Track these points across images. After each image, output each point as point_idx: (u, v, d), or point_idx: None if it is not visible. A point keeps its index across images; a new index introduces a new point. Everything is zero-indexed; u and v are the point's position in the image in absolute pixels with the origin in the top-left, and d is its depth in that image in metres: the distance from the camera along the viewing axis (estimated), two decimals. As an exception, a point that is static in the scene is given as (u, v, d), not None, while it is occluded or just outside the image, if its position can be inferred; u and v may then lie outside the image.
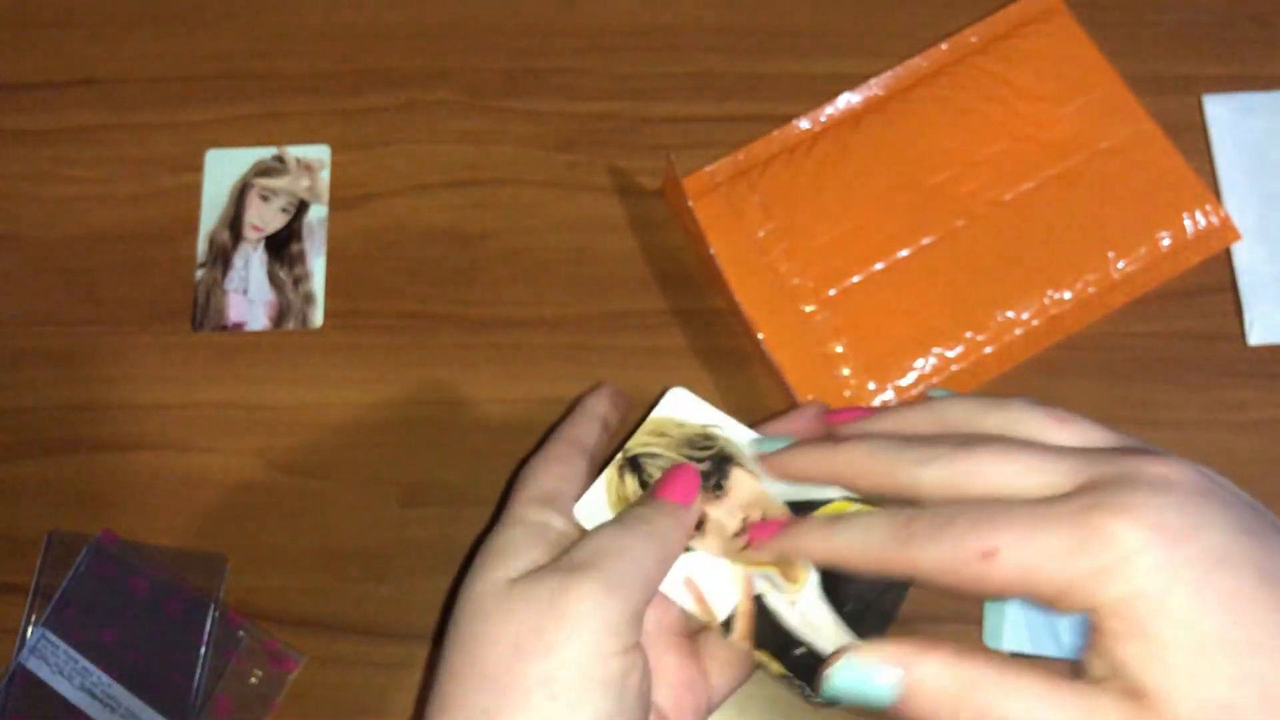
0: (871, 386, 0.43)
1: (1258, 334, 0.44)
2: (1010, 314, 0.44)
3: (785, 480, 0.32)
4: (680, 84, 0.49)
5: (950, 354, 0.44)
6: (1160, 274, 0.45)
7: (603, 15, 0.50)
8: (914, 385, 0.43)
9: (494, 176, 0.48)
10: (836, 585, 0.31)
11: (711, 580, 0.32)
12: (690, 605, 0.31)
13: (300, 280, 0.46)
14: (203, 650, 0.41)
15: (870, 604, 0.31)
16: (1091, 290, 0.44)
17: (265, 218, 0.47)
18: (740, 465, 0.33)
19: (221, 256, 0.47)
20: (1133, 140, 0.46)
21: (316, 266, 0.46)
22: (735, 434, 0.34)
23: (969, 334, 0.44)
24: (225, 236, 0.47)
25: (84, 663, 0.41)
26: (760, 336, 0.42)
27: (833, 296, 0.45)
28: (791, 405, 0.43)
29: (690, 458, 0.34)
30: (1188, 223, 0.45)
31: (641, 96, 0.48)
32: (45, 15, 0.50)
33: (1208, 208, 0.45)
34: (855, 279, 0.45)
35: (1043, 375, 0.44)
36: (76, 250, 0.47)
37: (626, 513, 0.32)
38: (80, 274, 0.47)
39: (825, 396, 0.43)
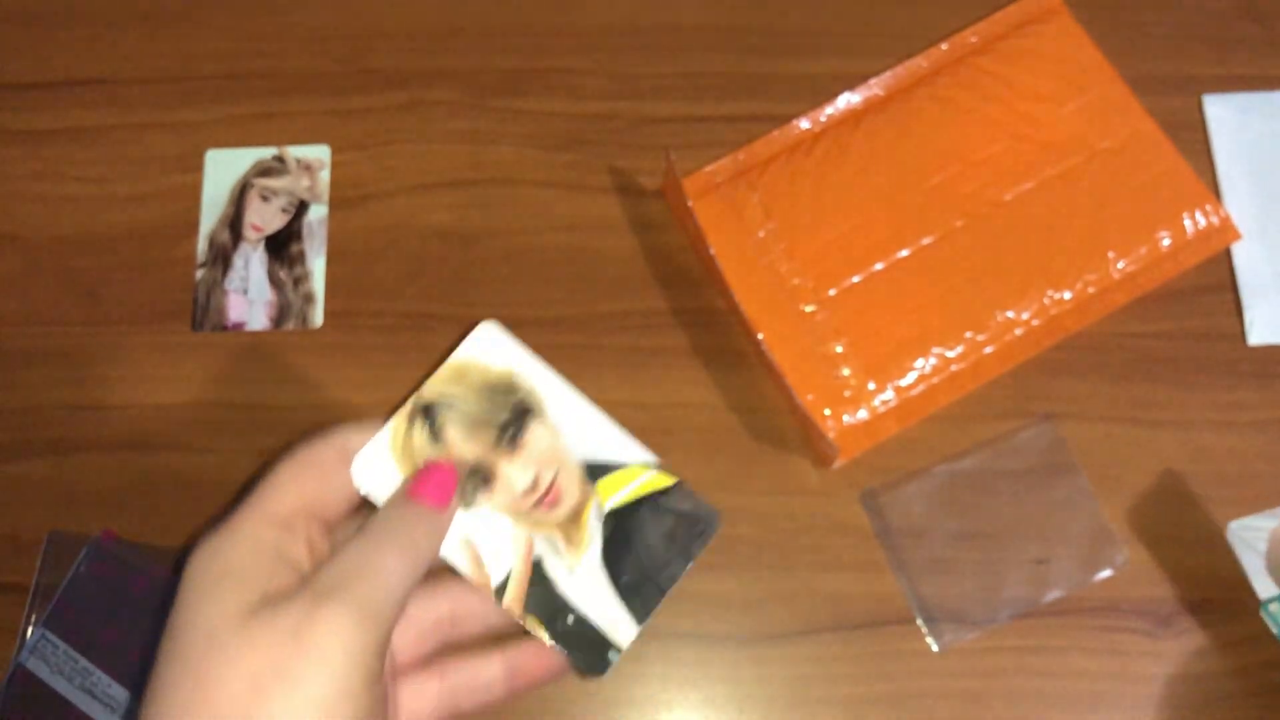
0: (871, 386, 0.43)
1: (1258, 334, 0.44)
2: (1010, 314, 0.44)
3: None
4: (680, 84, 0.49)
5: (950, 354, 0.44)
6: (1160, 274, 0.45)
7: (603, 15, 0.50)
8: (914, 385, 0.43)
9: (494, 176, 0.48)
10: (617, 556, 0.31)
11: (491, 541, 0.31)
12: (465, 567, 0.31)
13: (300, 280, 0.46)
14: (203, 650, 0.41)
15: (647, 577, 0.31)
16: (1091, 290, 0.44)
17: (265, 218, 0.47)
18: (540, 418, 0.32)
19: (221, 256, 0.47)
20: (1133, 140, 0.46)
21: (316, 266, 0.46)
22: (541, 382, 0.32)
23: (969, 334, 0.44)
24: (225, 236, 0.47)
25: (84, 663, 0.41)
26: (760, 336, 0.42)
27: (833, 296, 0.45)
28: (792, 405, 0.43)
29: (487, 409, 0.32)
30: (1188, 223, 0.45)
31: (641, 96, 0.48)
32: (45, 15, 0.50)
33: (1208, 208, 0.45)
34: (855, 279, 0.45)
35: (1043, 375, 0.44)
36: (76, 250, 0.47)
37: (376, 521, 0.29)
38: (80, 274, 0.47)
39: (825, 396, 0.43)
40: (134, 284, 0.47)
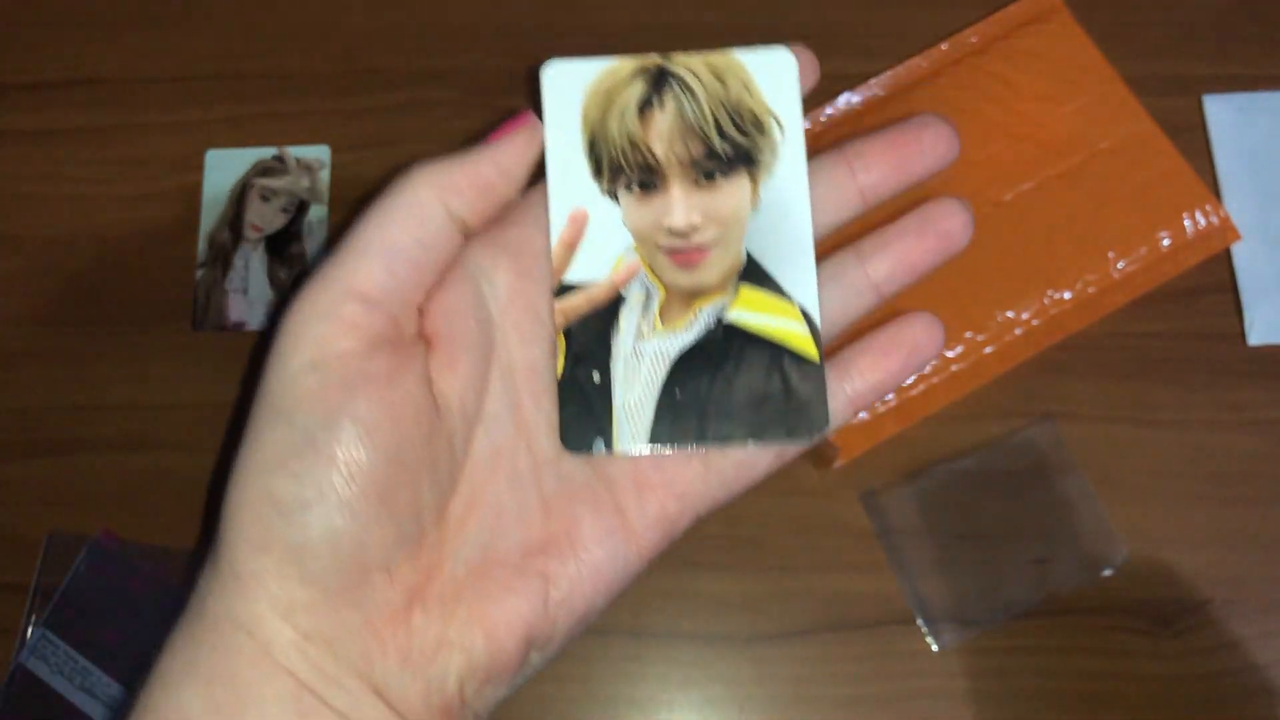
0: (871, 386, 0.43)
1: (1258, 334, 0.44)
2: (1010, 314, 0.44)
3: None
4: (680, 84, 0.49)
5: (950, 354, 0.44)
6: (1160, 274, 0.45)
7: (603, 15, 0.50)
8: (914, 385, 0.44)
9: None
10: (691, 366, 0.26)
11: (601, 239, 0.27)
12: (555, 235, 0.27)
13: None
14: (203, 650, 0.41)
15: (699, 413, 0.26)
16: (1091, 290, 0.44)
17: (265, 218, 0.47)
18: (754, 181, 0.27)
19: (221, 256, 0.47)
20: (1133, 140, 0.46)
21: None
22: (789, 158, 0.27)
23: (969, 334, 0.44)
24: (225, 236, 0.47)
25: (84, 663, 0.41)
26: (760, 336, 0.42)
27: (833, 296, 0.45)
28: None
29: (718, 124, 0.27)
30: (1188, 223, 0.45)
31: (641, 96, 0.48)
32: (45, 15, 0.50)
33: (1208, 208, 0.45)
34: (855, 279, 0.45)
35: (1043, 375, 0.44)
36: (76, 250, 0.47)
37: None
38: (80, 274, 0.47)
39: (825, 396, 0.43)
40: (134, 284, 0.47)
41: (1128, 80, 0.47)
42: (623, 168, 0.27)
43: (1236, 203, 0.46)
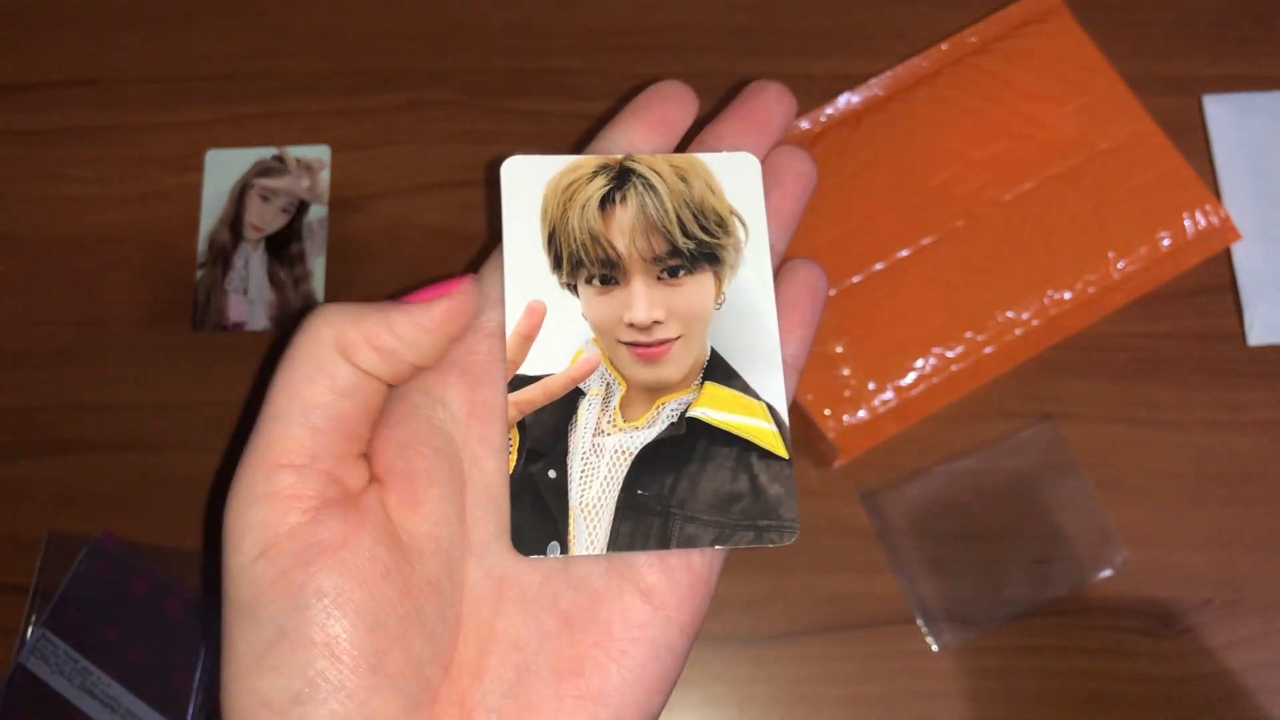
0: (871, 386, 0.43)
1: (1258, 334, 0.44)
2: (1010, 314, 0.44)
3: None
4: (680, 84, 0.49)
5: (950, 354, 0.44)
6: (1160, 274, 0.45)
7: (603, 15, 0.50)
8: (914, 385, 0.44)
9: (494, 177, 0.48)
10: (654, 465, 0.25)
11: (558, 332, 0.26)
12: (511, 326, 0.26)
13: (300, 280, 0.46)
14: (203, 650, 0.41)
15: (663, 513, 0.25)
16: (1091, 290, 0.44)
17: (265, 218, 0.47)
18: (717, 277, 0.27)
19: (221, 256, 0.47)
20: (1133, 140, 0.46)
21: (316, 266, 0.46)
22: (754, 253, 0.27)
23: (969, 334, 0.44)
24: (225, 236, 0.47)
25: (84, 663, 0.41)
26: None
27: (832, 296, 0.45)
28: (792, 406, 0.43)
29: (681, 221, 0.27)
30: (1188, 223, 0.45)
31: (641, 96, 0.48)
32: (45, 15, 0.50)
33: (1208, 208, 0.45)
34: (855, 279, 0.45)
35: (1043, 375, 0.44)
36: (76, 250, 0.47)
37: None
38: (80, 274, 0.47)
39: (825, 396, 0.43)
40: (134, 284, 0.47)
41: (1128, 80, 0.47)
42: (583, 261, 0.27)
43: (1236, 203, 0.46)
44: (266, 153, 0.48)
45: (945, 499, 0.43)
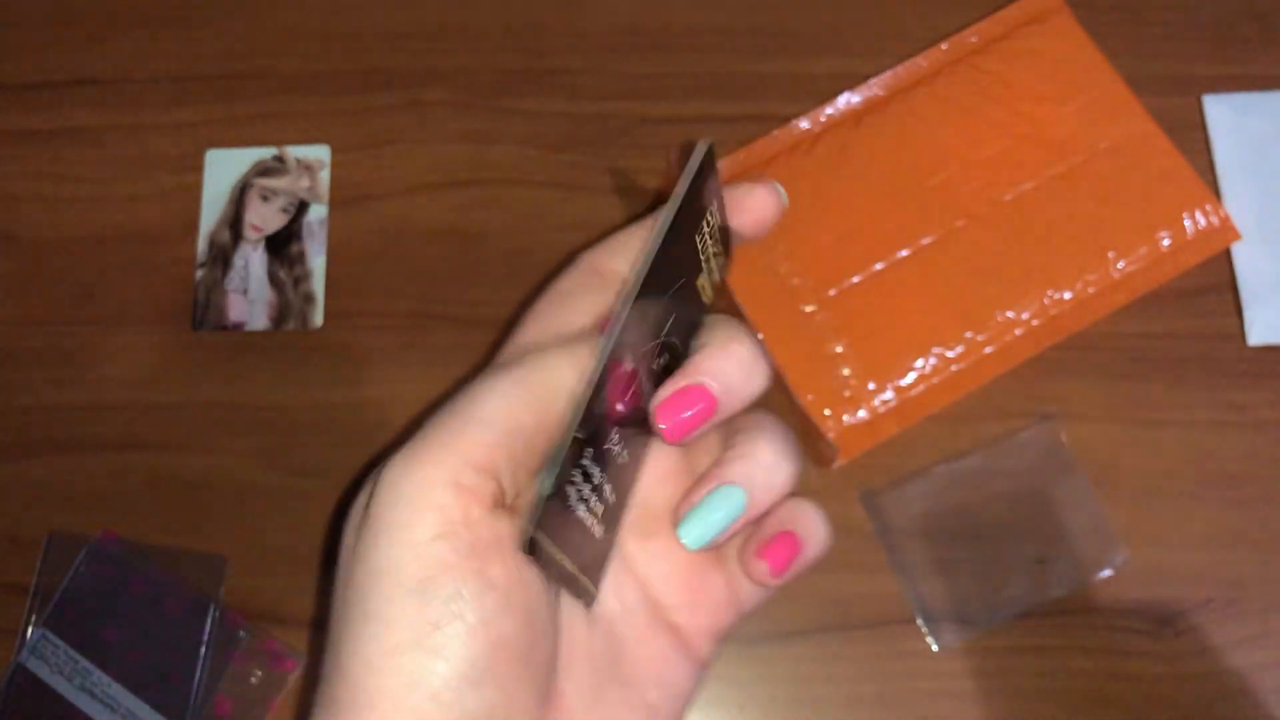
0: (871, 386, 0.43)
1: (1258, 334, 0.44)
2: (1010, 314, 0.44)
3: None
4: (680, 84, 0.49)
5: (950, 354, 0.44)
6: (1160, 274, 0.45)
7: (603, 15, 0.50)
8: (914, 385, 0.43)
9: (494, 176, 0.48)
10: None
11: None
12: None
13: (300, 280, 0.46)
14: (203, 650, 0.41)
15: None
16: (1091, 290, 0.44)
17: (265, 218, 0.47)
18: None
19: (221, 256, 0.47)
20: (1133, 140, 0.46)
21: (316, 266, 0.46)
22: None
23: (969, 334, 0.44)
24: (225, 236, 0.47)
25: (84, 663, 0.41)
26: (760, 336, 0.42)
27: (833, 296, 0.45)
28: (792, 405, 0.43)
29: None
30: (1188, 223, 0.45)
31: (641, 96, 0.48)
32: (45, 15, 0.50)
33: (1208, 208, 0.45)
34: (855, 279, 0.45)
35: (1043, 375, 0.44)
36: (76, 250, 0.47)
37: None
38: (80, 274, 0.47)
39: (825, 396, 0.43)
40: (134, 284, 0.47)
41: (1128, 80, 0.47)
42: None
43: (1236, 203, 0.46)
44: (266, 153, 0.48)
45: (945, 499, 0.43)
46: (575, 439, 0.23)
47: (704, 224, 0.27)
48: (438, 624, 0.22)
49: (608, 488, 0.25)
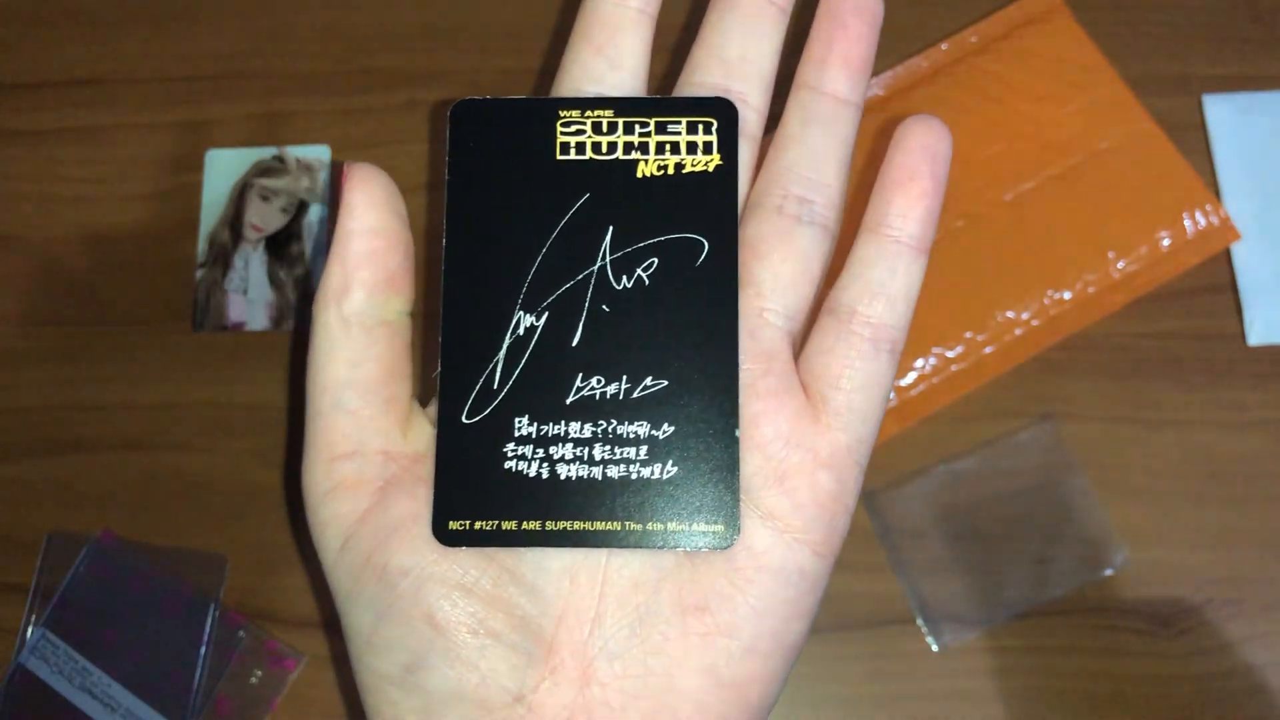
0: (871, 386, 0.43)
1: (1258, 334, 0.44)
2: (1010, 314, 0.44)
3: None
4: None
5: (950, 354, 0.44)
6: (1160, 274, 0.45)
7: (603, 15, 0.50)
8: (914, 385, 0.44)
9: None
10: None
11: None
12: None
13: (300, 280, 0.46)
14: (203, 650, 0.41)
15: None
16: (1091, 290, 0.44)
17: (265, 218, 0.47)
18: None
19: (221, 256, 0.47)
20: (1133, 140, 0.46)
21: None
22: None
23: (969, 334, 0.44)
24: (225, 236, 0.47)
25: (84, 663, 0.41)
26: (760, 336, 0.42)
27: (833, 296, 0.45)
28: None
29: None
30: (1188, 223, 0.45)
31: (641, 96, 0.48)
32: (45, 15, 0.50)
33: (1208, 208, 0.45)
34: (855, 279, 0.45)
35: (1043, 375, 0.44)
36: (76, 250, 0.47)
37: None
38: (80, 274, 0.47)
39: (825, 396, 0.43)
40: (134, 284, 0.47)
41: (1128, 80, 0.47)
42: None
43: (1236, 203, 0.46)
44: (266, 153, 0.48)
45: (945, 499, 0.43)
46: None
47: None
48: (373, 625, 0.24)
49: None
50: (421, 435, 0.26)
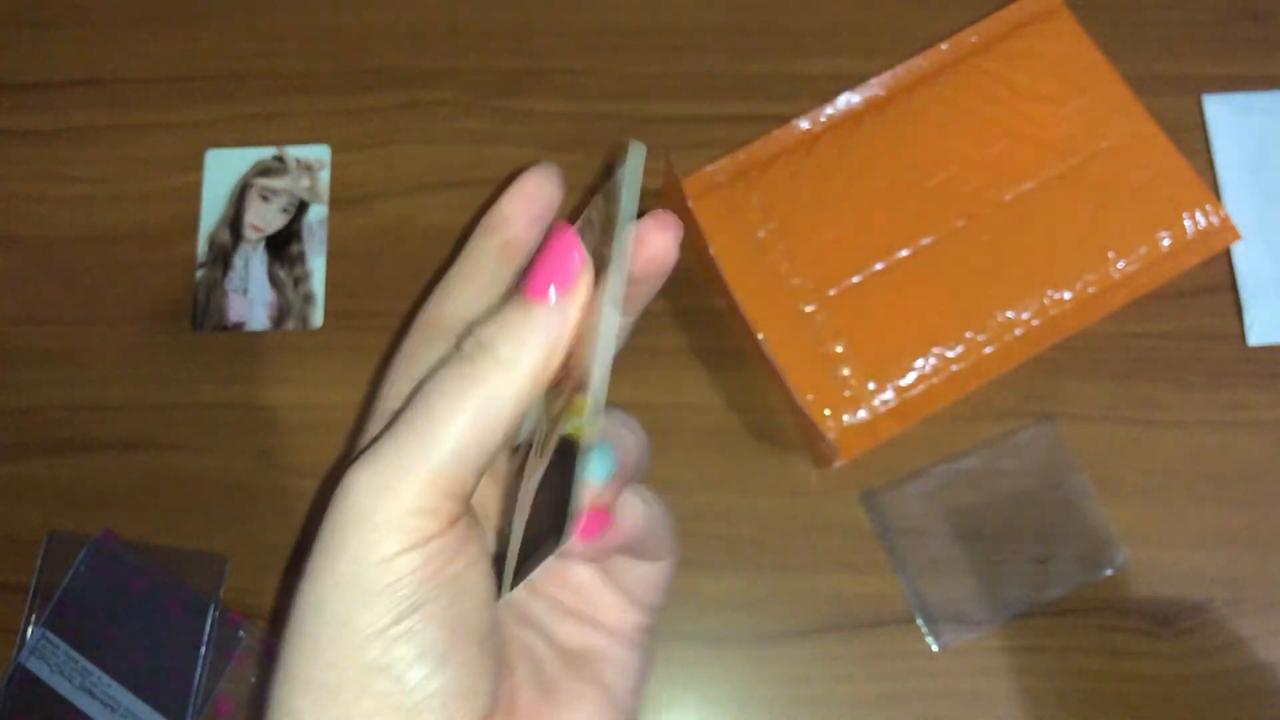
0: (871, 386, 0.43)
1: (1258, 334, 0.44)
2: (1010, 314, 0.44)
3: None
4: (680, 84, 0.49)
5: (950, 354, 0.44)
6: (1160, 274, 0.45)
7: (603, 15, 0.50)
8: (914, 385, 0.44)
9: (494, 176, 0.48)
10: (538, 502, 0.24)
11: None
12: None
13: (300, 280, 0.46)
14: (203, 650, 0.41)
15: (531, 546, 0.24)
16: (1091, 290, 0.44)
17: (265, 218, 0.47)
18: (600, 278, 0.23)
19: (221, 256, 0.47)
20: (1133, 140, 0.46)
21: (316, 266, 0.46)
22: (620, 244, 0.24)
23: (969, 334, 0.44)
24: (225, 236, 0.47)
25: (84, 663, 0.41)
26: (760, 336, 0.42)
27: (833, 296, 0.45)
28: (792, 405, 0.43)
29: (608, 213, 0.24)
30: (1188, 223, 0.45)
31: (641, 96, 0.48)
32: (45, 15, 0.50)
33: (1208, 208, 0.45)
34: (855, 279, 0.45)
35: (1043, 375, 0.44)
36: (76, 250, 0.47)
37: (464, 335, 0.24)
38: (80, 274, 0.47)
39: (825, 396, 0.43)
40: (134, 284, 0.47)
41: (1128, 80, 0.47)
42: None
43: (1236, 203, 0.46)
44: (266, 153, 0.48)
45: (945, 499, 0.43)
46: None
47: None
48: (400, 616, 0.23)
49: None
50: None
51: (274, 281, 0.46)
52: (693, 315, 0.45)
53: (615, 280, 0.23)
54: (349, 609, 0.23)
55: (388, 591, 0.22)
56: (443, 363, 0.24)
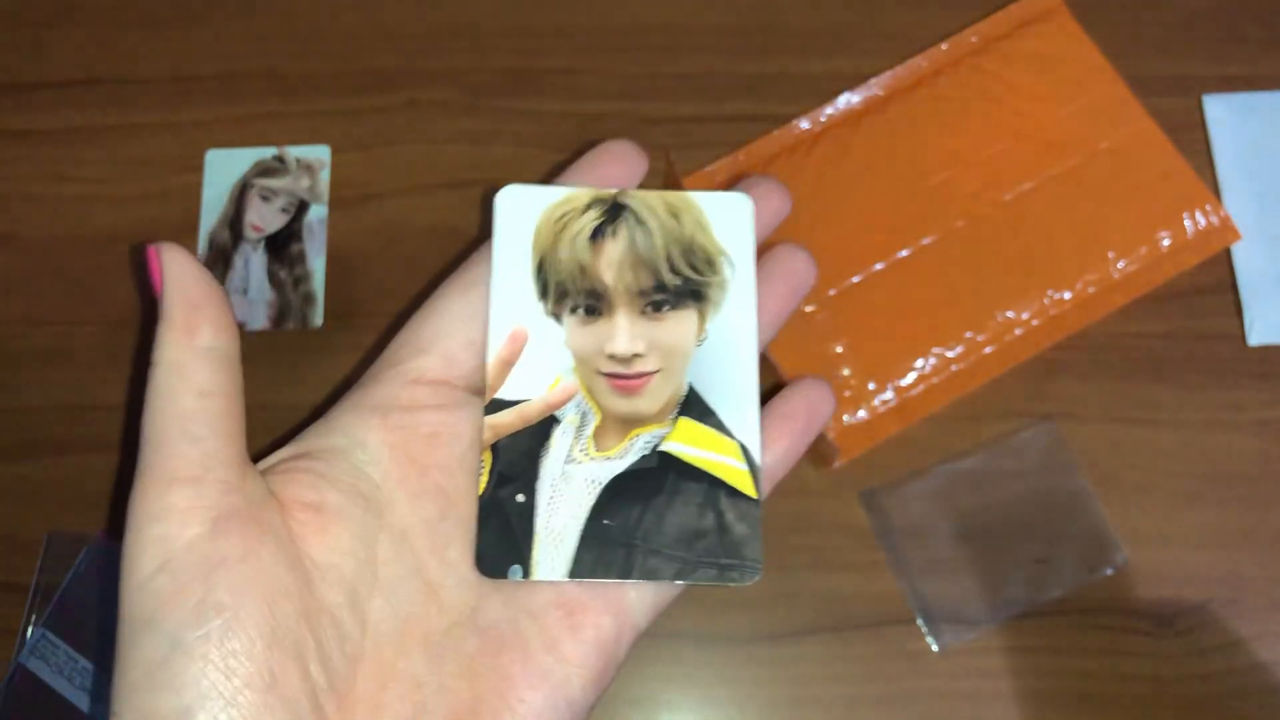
0: (871, 386, 0.43)
1: (1258, 334, 0.44)
2: (1010, 314, 0.44)
3: None
4: (680, 84, 0.49)
5: (950, 354, 0.44)
6: (1160, 274, 0.45)
7: (603, 15, 0.50)
8: (914, 385, 0.44)
9: (494, 176, 0.48)
10: (622, 497, 0.25)
11: (539, 360, 0.26)
12: (493, 355, 0.27)
13: (300, 280, 0.46)
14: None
15: (627, 545, 0.25)
16: (1091, 290, 0.44)
17: (265, 218, 0.47)
18: (702, 314, 0.27)
19: (221, 256, 0.47)
20: (1133, 140, 0.46)
21: (316, 266, 0.46)
22: (739, 293, 0.27)
23: (969, 334, 0.44)
24: (225, 236, 0.47)
25: (84, 663, 0.41)
26: (760, 336, 0.42)
27: (833, 296, 0.45)
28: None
29: (669, 257, 0.27)
30: (1188, 223, 0.45)
31: (641, 96, 0.48)
32: (45, 15, 0.50)
33: (1208, 208, 0.45)
34: (855, 279, 0.45)
35: (1043, 375, 0.44)
36: (77, 250, 0.47)
37: None
38: (80, 274, 0.47)
39: (825, 396, 0.43)
40: (134, 284, 0.47)
41: (1128, 80, 0.47)
42: (569, 291, 0.27)
43: (1236, 203, 0.46)
44: (266, 153, 0.48)
45: (945, 499, 0.43)
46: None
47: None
48: (164, 658, 0.22)
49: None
50: (255, 483, 0.25)
51: (274, 281, 0.46)
52: (693, 315, 0.45)
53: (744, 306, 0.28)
54: (123, 649, 0.23)
55: (148, 627, 0.23)
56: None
